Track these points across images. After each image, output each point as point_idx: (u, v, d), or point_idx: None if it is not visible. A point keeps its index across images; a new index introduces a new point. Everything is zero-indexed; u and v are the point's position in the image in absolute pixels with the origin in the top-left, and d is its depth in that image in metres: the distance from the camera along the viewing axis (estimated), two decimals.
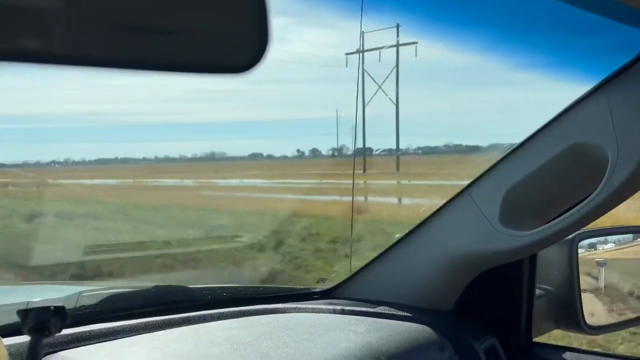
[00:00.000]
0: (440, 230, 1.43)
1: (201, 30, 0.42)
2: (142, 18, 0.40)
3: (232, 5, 0.42)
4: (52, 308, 0.76)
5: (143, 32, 0.40)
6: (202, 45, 0.42)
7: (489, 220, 1.32)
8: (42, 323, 0.75)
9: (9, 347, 0.81)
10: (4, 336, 0.78)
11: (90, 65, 0.39)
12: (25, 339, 0.93)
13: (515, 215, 1.31)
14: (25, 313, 0.75)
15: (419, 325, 1.34)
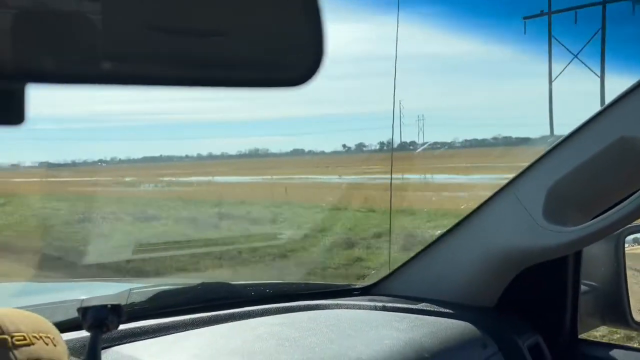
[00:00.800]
0: (483, 227, 1.42)
1: (252, 42, 0.42)
2: (187, 25, 0.40)
3: (284, 14, 0.42)
4: (109, 306, 0.79)
5: (188, 45, 0.40)
6: (252, 58, 0.42)
7: (533, 216, 1.30)
8: (100, 320, 0.78)
9: (68, 342, 0.85)
10: (62, 331, 0.82)
11: (138, 84, 0.39)
12: (81, 334, 0.97)
13: (559, 211, 1.29)
14: (85, 310, 0.79)
15: (462, 321, 1.34)
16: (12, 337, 0.70)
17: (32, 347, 0.71)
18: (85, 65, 0.35)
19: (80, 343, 0.96)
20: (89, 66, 0.36)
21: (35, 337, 0.72)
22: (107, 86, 0.37)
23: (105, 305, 0.79)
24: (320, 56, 0.40)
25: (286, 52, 0.42)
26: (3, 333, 0.70)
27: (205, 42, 0.40)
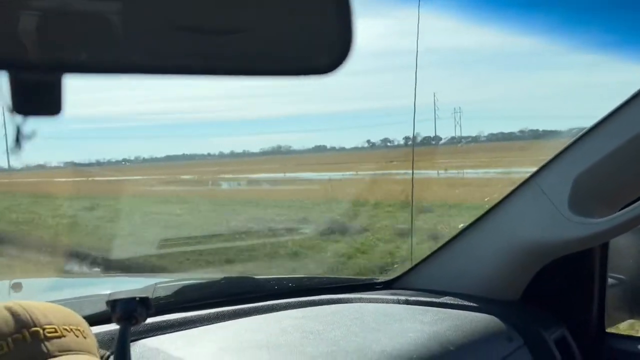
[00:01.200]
0: (507, 219, 1.41)
1: (280, 31, 0.42)
2: (216, 20, 0.40)
3: (312, 2, 0.42)
4: (137, 299, 0.80)
5: (216, 34, 0.40)
6: (281, 46, 0.42)
7: (558, 207, 1.28)
8: (129, 313, 0.80)
9: (97, 335, 0.87)
10: (91, 324, 0.84)
11: (165, 73, 0.40)
12: (110, 327, 0.99)
13: (585, 202, 1.27)
14: (114, 303, 0.80)
15: (486, 315, 1.33)
16: (43, 329, 0.72)
17: (63, 339, 0.73)
18: (117, 56, 0.36)
19: (108, 336, 0.98)
20: (121, 57, 0.36)
21: (66, 329, 0.74)
22: (139, 75, 0.38)
23: (134, 298, 0.81)
24: (349, 43, 0.40)
25: (315, 40, 0.42)
26: (35, 325, 0.71)
27: (235, 32, 0.40)
